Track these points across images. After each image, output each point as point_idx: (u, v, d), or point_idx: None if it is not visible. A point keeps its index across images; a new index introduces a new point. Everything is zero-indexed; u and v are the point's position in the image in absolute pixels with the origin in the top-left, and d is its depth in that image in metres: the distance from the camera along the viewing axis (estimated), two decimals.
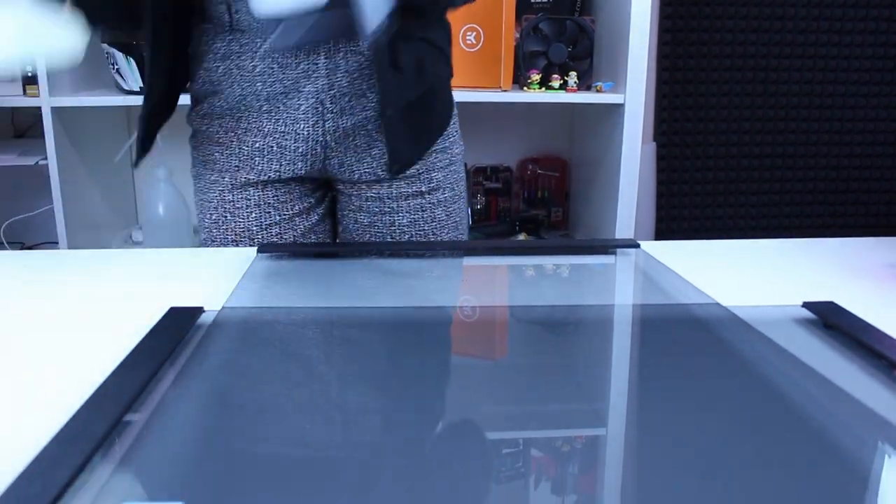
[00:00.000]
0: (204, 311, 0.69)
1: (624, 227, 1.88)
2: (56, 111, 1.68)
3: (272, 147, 1.00)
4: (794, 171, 2.27)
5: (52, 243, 1.88)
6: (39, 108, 1.67)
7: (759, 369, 0.63)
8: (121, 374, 0.55)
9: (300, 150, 1.00)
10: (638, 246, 0.96)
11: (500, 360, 0.63)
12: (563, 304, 0.77)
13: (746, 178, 2.25)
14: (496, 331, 0.71)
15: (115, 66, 1.72)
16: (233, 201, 1.04)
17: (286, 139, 1.00)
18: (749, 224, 2.28)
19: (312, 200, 1.07)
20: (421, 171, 1.04)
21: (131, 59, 1.69)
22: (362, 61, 0.97)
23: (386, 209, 1.05)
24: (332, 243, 1.08)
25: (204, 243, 1.08)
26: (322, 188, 1.09)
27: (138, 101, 1.71)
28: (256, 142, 1.00)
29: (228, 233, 1.05)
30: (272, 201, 1.03)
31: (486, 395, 0.55)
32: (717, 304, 0.74)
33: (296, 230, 1.06)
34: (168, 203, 1.73)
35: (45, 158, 1.71)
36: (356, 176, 1.04)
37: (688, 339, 0.69)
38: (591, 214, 2.08)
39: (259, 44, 0.95)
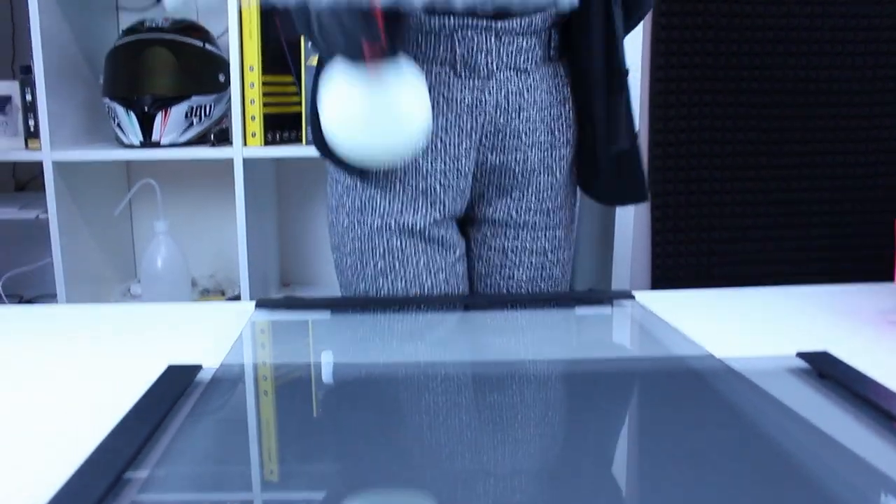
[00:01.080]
0: (202, 369, 0.70)
1: (620, 276, 1.89)
2: (57, 165, 1.70)
3: (435, 188, 1.00)
4: (788, 217, 2.28)
5: (51, 296, 1.88)
6: (41, 163, 1.69)
7: (754, 422, 0.63)
8: (120, 433, 0.55)
9: (461, 186, 1.01)
10: (633, 297, 0.97)
11: (497, 415, 0.63)
12: (560, 359, 0.78)
13: (741, 226, 2.27)
14: (492, 386, 0.71)
15: (116, 120, 1.75)
16: (401, 248, 1.01)
17: (448, 178, 0.99)
18: (745, 271, 2.29)
19: (463, 245, 1.06)
20: (549, 225, 1.06)
21: (132, 114, 1.71)
22: (521, 101, 0.99)
23: (507, 262, 1.06)
24: (330, 298, 1.08)
25: (365, 292, 1.05)
26: (461, 233, 1.09)
27: (138, 154, 1.74)
28: (419, 183, 1.00)
29: (398, 281, 1.02)
30: (437, 245, 1.02)
31: (480, 451, 0.55)
32: (712, 356, 0.75)
33: (457, 275, 1.05)
34: (167, 257, 1.74)
35: (46, 212, 1.73)
36: (495, 214, 1.04)
37: (683, 393, 0.69)
38: (587, 263, 2.10)
39: (426, 77, 0.95)
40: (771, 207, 2.27)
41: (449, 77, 0.96)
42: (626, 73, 0.99)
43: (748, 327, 0.87)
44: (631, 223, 1.86)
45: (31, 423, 0.61)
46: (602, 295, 1.06)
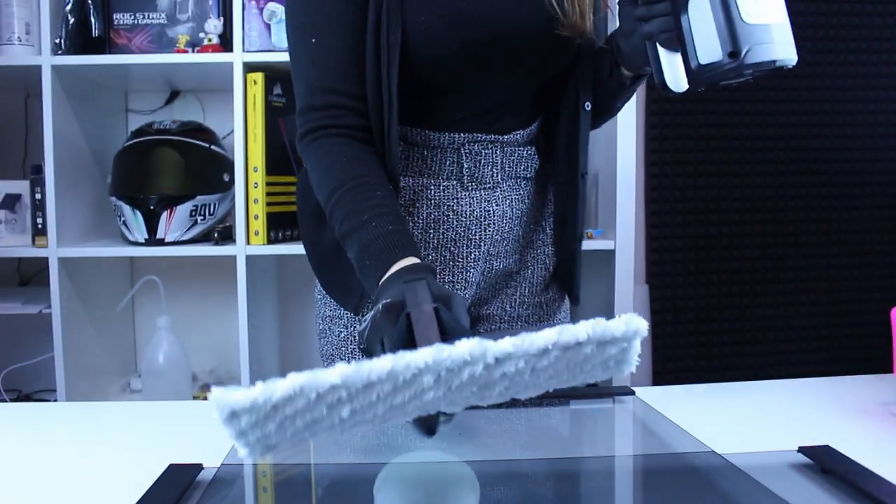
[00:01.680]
0: (203, 468, 0.70)
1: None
2: (62, 261, 1.72)
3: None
4: (788, 307, 2.29)
5: (51, 391, 1.87)
6: (46, 258, 1.71)
7: None
8: None
9: (466, 297, 1.01)
10: (633, 393, 0.97)
11: None
12: (562, 458, 0.78)
13: (740, 317, 2.27)
14: (495, 484, 0.71)
15: (122, 218, 1.78)
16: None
17: (455, 288, 0.99)
18: (746, 362, 2.28)
19: None
20: (542, 318, 1.06)
21: (138, 212, 1.74)
22: (523, 208, 1.01)
23: None
24: None
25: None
26: None
27: (143, 252, 1.77)
28: None
29: None
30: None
31: None
32: (713, 452, 0.74)
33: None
34: (168, 351, 1.74)
35: (49, 307, 1.73)
36: (489, 310, 1.05)
37: (685, 491, 0.69)
38: None
39: (433, 191, 0.97)
40: (770, 298, 2.29)
41: (456, 190, 0.98)
42: (583, 175, 1.01)
43: (749, 421, 0.87)
44: None
45: None
46: (603, 391, 1.06)
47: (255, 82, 1.70)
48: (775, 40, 0.75)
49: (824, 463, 0.70)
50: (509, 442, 0.81)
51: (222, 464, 0.72)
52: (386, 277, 0.74)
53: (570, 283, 1.06)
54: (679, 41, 0.79)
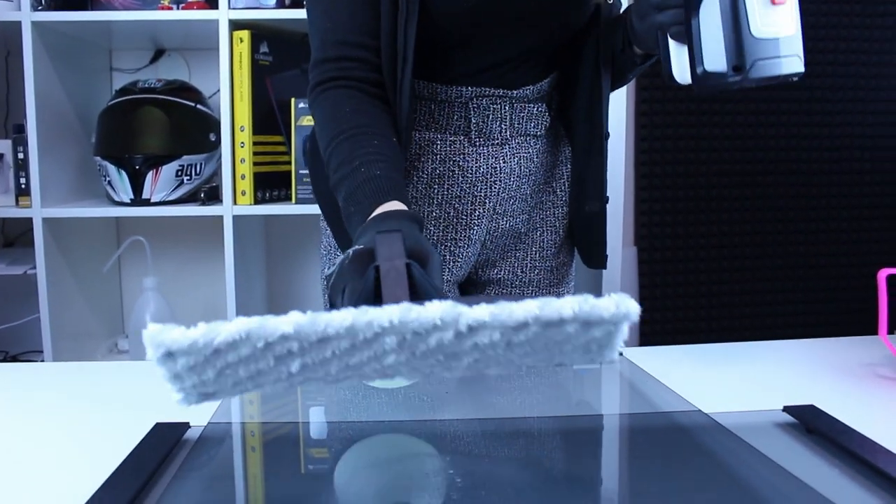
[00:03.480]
0: (189, 427, 0.69)
1: None
2: (47, 221, 1.71)
3: (445, 256, 0.99)
4: (774, 270, 2.30)
5: (38, 352, 1.86)
6: (31, 219, 1.70)
7: (742, 477, 0.63)
8: (108, 491, 0.55)
9: (469, 255, 1.00)
10: (621, 354, 0.97)
11: (486, 472, 0.63)
12: (551, 416, 0.78)
13: (728, 280, 2.28)
14: (481, 443, 0.71)
15: (107, 178, 1.76)
16: None
17: (459, 246, 0.99)
18: (733, 324, 2.30)
19: None
20: (553, 282, 1.06)
21: (123, 172, 1.72)
22: (532, 166, 1.00)
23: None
24: None
25: None
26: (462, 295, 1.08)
27: (129, 212, 1.75)
28: None
29: None
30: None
31: None
32: (700, 411, 0.75)
33: None
34: (155, 312, 1.73)
35: (34, 268, 1.72)
36: (499, 274, 1.04)
37: (672, 449, 0.69)
38: None
39: (439, 146, 0.95)
40: (757, 261, 2.29)
41: (463, 146, 0.96)
42: (606, 136, 1.00)
43: (736, 382, 0.87)
44: (618, 280, 1.87)
45: (18, 481, 0.61)
46: None
47: (241, 40, 1.68)
48: (783, 54, 0.74)
49: (809, 422, 0.71)
50: (496, 401, 0.81)
51: (209, 422, 0.72)
52: (366, 223, 0.69)
53: (590, 247, 1.05)
54: (688, 41, 0.78)
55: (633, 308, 0.46)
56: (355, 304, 0.55)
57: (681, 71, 0.82)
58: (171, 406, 0.77)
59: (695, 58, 0.77)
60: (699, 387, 0.83)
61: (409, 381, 0.62)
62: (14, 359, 2.01)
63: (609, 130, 1.00)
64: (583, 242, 1.06)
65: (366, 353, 0.47)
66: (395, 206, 0.71)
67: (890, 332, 0.91)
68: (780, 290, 2.31)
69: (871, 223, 2.33)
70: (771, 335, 1.05)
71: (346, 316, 0.44)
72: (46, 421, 0.75)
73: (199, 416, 0.72)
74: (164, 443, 0.65)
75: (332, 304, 0.62)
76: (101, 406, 0.80)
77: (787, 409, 0.74)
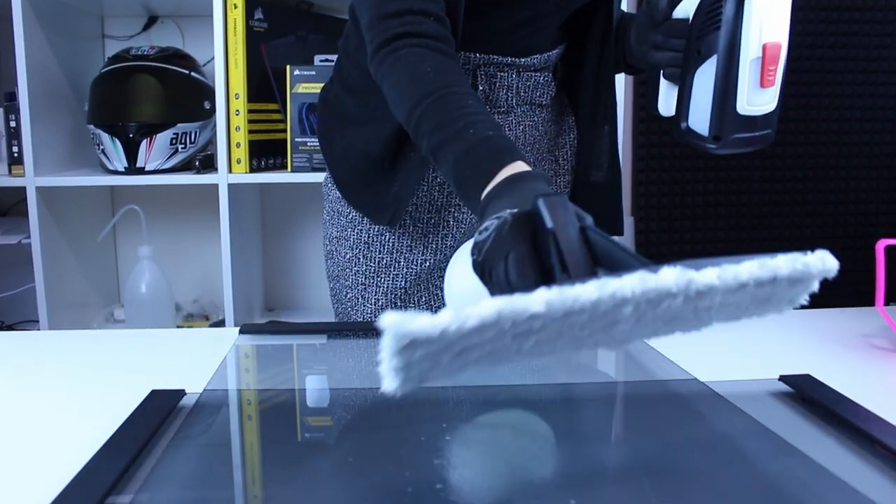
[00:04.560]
0: (185, 394, 0.69)
1: None
2: (41, 190, 1.69)
3: (448, 221, 1.00)
4: (772, 241, 2.30)
5: (33, 322, 1.86)
6: (24, 188, 1.69)
7: (737, 445, 0.63)
8: (102, 458, 0.55)
9: (467, 220, 1.00)
10: None
11: (482, 439, 0.63)
12: (546, 383, 0.78)
13: (725, 251, 2.28)
14: (476, 410, 0.71)
15: (101, 147, 1.74)
16: (405, 287, 1.01)
17: (462, 211, 0.99)
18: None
19: None
20: None
21: (117, 140, 1.71)
22: (535, 134, 0.99)
23: None
24: (315, 323, 1.08)
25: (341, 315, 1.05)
26: None
27: (123, 181, 1.74)
28: (431, 217, 0.99)
29: (368, 303, 1.02)
30: (440, 283, 1.01)
31: (472, 474, 0.55)
32: (696, 379, 0.75)
33: (431, 292, 1.04)
34: (151, 282, 1.73)
35: (29, 237, 1.71)
36: None
37: (667, 416, 0.70)
38: None
39: None
40: (755, 232, 2.29)
41: None
42: (613, 105, 0.99)
43: (731, 351, 0.87)
44: None
45: (14, 448, 0.61)
46: None
47: (235, 6, 1.66)
48: (759, 131, 0.79)
49: (804, 391, 0.71)
50: (494, 368, 0.81)
51: (205, 389, 0.72)
52: (495, 184, 0.64)
53: (598, 217, 1.04)
54: (678, 92, 0.80)
55: (833, 264, 0.49)
56: (524, 272, 0.55)
57: (666, 107, 0.85)
58: (166, 373, 0.77)
59: (681, 111, 0.80)
60: (695, 356, 0.83)
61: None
62: (10, 328, 2.01)
63: (616, 102, 1.01)
64: (589, 212, 1.06)
65: (598, 323, 0.46)
66: (522, 167, 0.65)
67: (887, 303, 0.91)
68: None
69: (869, 195, 2.33)
70: None
71: (593, 290, 0.43)
72: (42, 389, 0.75)
73: (194, 383, 0.72)
74: (160, 410, 0.65)
75: (487, 270, 0.58)
76: (97, 373, 0.80)
77: (783, 378, 0.74)
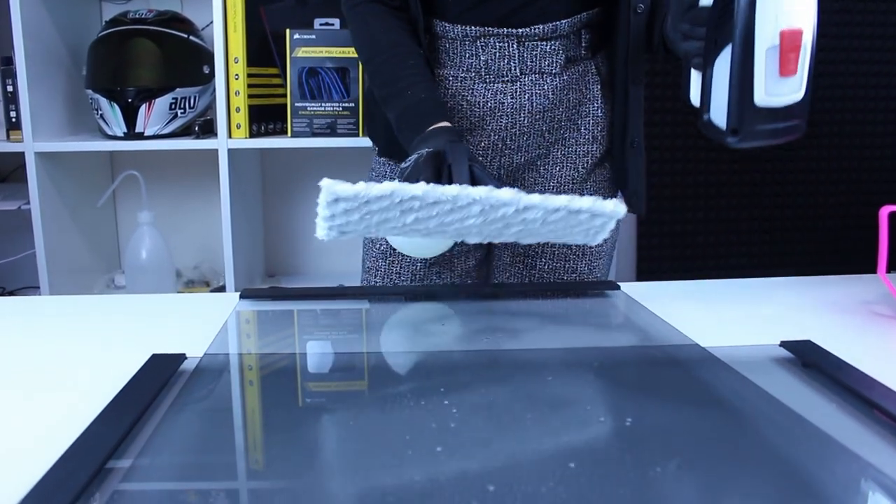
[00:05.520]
0: (186, 358, 0.69)
1: None
2: (40, 156, 1.68)
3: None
4: (773, 209, 2.30)
5: (34, 287, 1.86)
6: (23, 153, 1.68)
7: (738, 409, 0.63)
8: (103, 421, 0.55)
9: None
10: (618, 288, 0.97)
11: (482, 403, 0.63)
12: (546, 348, 0.78)
13: (726, 218, 2.28)
14: (479, 375, 0.71)
15: (99, 112, 1.73)
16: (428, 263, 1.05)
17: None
18: (730, 263, 2.30)
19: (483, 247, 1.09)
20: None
21: (115, 105, 1.70)
22: (546, 103, 1.00)
23: (531, 251, 1.07)
24: (316, 288, 1.08)
25: (366, 281, 1.10)
26: None
27: (122, 146, 1.73)
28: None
29: (393, 275, 1.07)
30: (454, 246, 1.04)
31: (471, 438, 0.55)
32: (697, 344, 0.75)
33: (453, 271, 1.08)
34: (151, 248, 1.73)
35: (28, 203, 1.71)
36: None
37: (668, 381, 0.70)
38: None
39: (451, 82, 1.00)
40: (756, 199, 2.29)
41: (474, 82, 0.99)
42: (641, 82, 1.01)
43: (733, 317, 0.87)
44: None
45: (14, 413, 0.61)
46: (589, 285, 1.06)
47: None
48: (783, 123, 0.74)
49: (805, 357, 0.71)
50: (496, 334, 0.81)
51: (205, 353, 0.72)
52: (424, 134, 0.87)
53: (624, 191, 1.08)
54: (701, 83, 0.78)
55: (621, 209, 0.71)
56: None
57: (696, 97, 0.82)
58: (167, 338, 0.77)
59: (702, 103, 0.78)
60: (696, 322, 0.83)
61: (441, 249, 0.87)
62: (11, 294, 2.01)
63: (644, 75, 1.02)
64: (620, 185, 1.09)
65: (458, 215, 0.68)
66: (445, 125, 0.89)
67: (889, 270, 0.91)
68: (779, 229, 2.31)
69: (872, 163, 2.32)
70: (769, 273, 1.05)
71: (455, 188, 0.66)
72: (43, 354, 0.75)
73: (195, 348, 0.72)
74: (160, 374, 0.65)
75: None
76: (98, 338, 0.80)
77: (783, 343, 0.74)
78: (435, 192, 0.65)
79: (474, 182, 0.76)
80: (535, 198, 0.68)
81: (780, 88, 0.73)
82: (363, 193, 0.63)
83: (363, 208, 0.65)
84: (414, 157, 0.81)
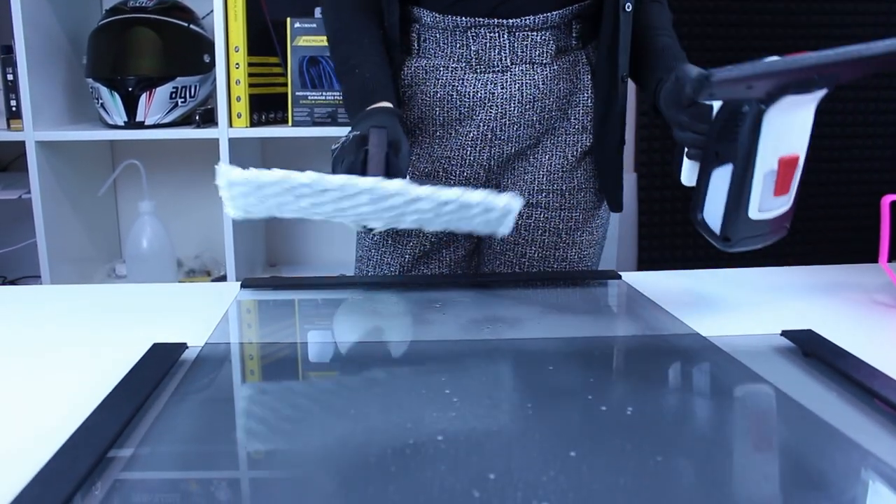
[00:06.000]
0: (187, 347, 0.69)
1: (606, 257, 1.88)
2: (40, 145, 1.68)
3: (438, 172, 1.04)
4: None
5: (35, 277, 1.86)
6: (24, 142, 1.67)
7: (739, 399, 0.63)
8: (104, 411, 0.55)
9: (465, 174, 1.04)
10: (619, 277, 0.97)
11: (483, 391, 0.63)
12: (547, 337, 0.78)
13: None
14: (481, 364, 0.71)
15: (100, 101, 1.72)
16: (391, 231, 1.05)
17: (452, 164, 1.03)
18: (730, 253, 2.30)
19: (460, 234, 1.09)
20: (564, 206, 1.06)
21: (116, 94, 1.69)
22: (536, 93, 1.00)
23: (520, 240, 1.07)
24: (317, 277, 1.08)
25: (358, 270, 1.11)
26: None
27: (123, 135, 1.72)
28: (425, 167, 1.03)
29: (384, 265, 1.07)
30: (429, 231, 1.04)
31: (472, 426, 0.55)
32: (698, 334, 0.75)
33: (441, 261, 1.08)
34: (152, 237, 1.72)
35: (29, 192, 1.71)
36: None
37: (669, 371, 0.70)
38: None
39: (441, 72, 1.00)
40: None
41: (464, 72, 0.99)
42: (623, 78, 0.99)
43: (734, 306, 0.87)
44: None
45: (16, 402, 0.61)
46: (590, 274, 1.06)
47: None
48: (771, 231, 0.79)
49: (807, 346, 0.71)
50: (497, 323, 0.81)
51: (206, 343, 0.72)
52: (360, 115, 0.90)
53: (607, 186, 1.06)
54: (696, 182, 0.80)
55: (515, 204, 0.75)
56: (348, 172, 0.79)
57: (689, 180, 0.85)
58: (168, 327, 0.77)
59: (697, 202, 0.80)
60: (697, 311, 0.83)
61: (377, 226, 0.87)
62: (12, 283, 2.01)
63: (628, 72, 1.00)
64: (602, 179, 1.07)
65: (350, 202, 0.73)
66: (384, 104, 0.92)
67: (890, 259, 0.90)
68: None
69: (873, 152, 2.31)
70: (769, 264, 1.05)
71: (341, 179, 0.70)
72: (44, 343, 0.75)
73: (196, 337, 0.72)
74: (161, 363, 0.65)
75: (334, 170, 0.83)
76: (99, 327, 0.80)
77: (785, 333, 0.74)
78: (322, 181, 0.69)
79: (388, 169, 0.81)
80: (424, 190, 0.71)
81: (772, 204, 0.77)
82: (252, 179, 0.68)
83: (258, 192, 0.70)
84: (343, 138, 0.85)
